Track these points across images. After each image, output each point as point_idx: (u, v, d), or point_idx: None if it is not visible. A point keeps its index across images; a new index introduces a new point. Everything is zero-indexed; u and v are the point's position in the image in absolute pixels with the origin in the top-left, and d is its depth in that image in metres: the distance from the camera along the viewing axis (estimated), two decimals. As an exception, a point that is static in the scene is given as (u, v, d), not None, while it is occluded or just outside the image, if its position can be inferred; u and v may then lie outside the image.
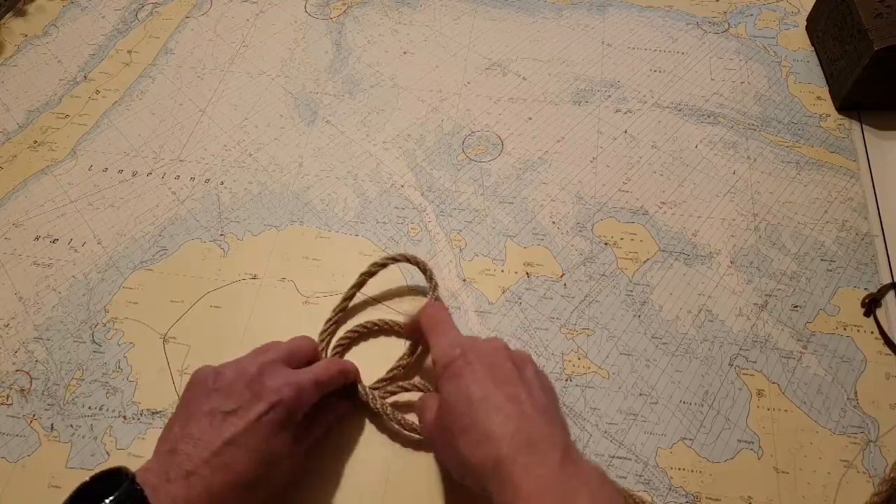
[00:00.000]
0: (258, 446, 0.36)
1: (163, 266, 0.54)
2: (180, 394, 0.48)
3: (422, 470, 0.44)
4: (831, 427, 0.45)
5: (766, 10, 0.71)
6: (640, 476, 0.43)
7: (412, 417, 0.44)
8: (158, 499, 0.33)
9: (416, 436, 0.44)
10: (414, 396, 0.45)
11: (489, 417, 0.33)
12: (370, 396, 0.44)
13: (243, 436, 0.36)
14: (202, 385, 0.39)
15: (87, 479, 0.33)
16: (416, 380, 0.46)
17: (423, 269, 0.50)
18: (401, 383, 0.46)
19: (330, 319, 0.49)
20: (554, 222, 0.55)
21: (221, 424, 0.36)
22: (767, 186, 0.57)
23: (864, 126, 0.60)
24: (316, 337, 0.48)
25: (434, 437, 0.38)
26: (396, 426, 0.44)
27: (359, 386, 0.45)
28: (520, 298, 0.51)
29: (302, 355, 0.44)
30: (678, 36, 0.69)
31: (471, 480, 0.35)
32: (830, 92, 0.63)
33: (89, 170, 0.61)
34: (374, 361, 0.47)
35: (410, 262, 0.50)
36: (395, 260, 0.50)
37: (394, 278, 0.53)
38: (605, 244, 0.54)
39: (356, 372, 0.46)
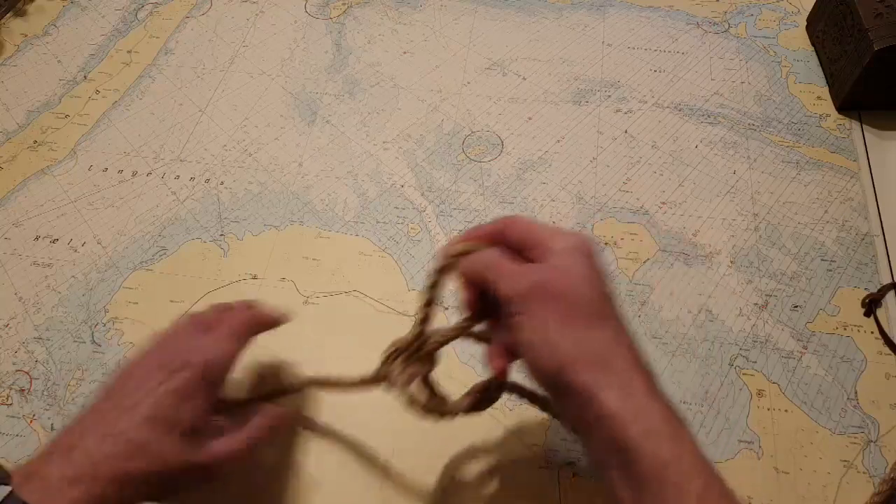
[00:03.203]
0: (152, 412, 0.34)
1: (163, 266, 0.54)
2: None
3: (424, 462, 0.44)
4: (831, 427, 0.45)
5: (766, 10, 0.71)
6: (640, 476, 0.43)
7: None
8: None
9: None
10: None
11: (608, 314, 0.31)
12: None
13: (139, 406, 0.34)
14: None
15: None
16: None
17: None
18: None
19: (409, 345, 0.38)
20: (554, 222, 0.55)
21: (119, 409, 0.34)
22: (767, 186, 0.57)
23: (864, 126, 0.60)
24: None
25: (526, 307, 0.31)
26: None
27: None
28: (520, 298, 0.51)
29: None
30: (678, 36, 0.69)
31: (549, 364, 0.30)
32: (830, 92, 0.63)
33: (89, 170, 0.61)
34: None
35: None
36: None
37: (392, 274, 0.53)
38: (605, 244, 0.54)
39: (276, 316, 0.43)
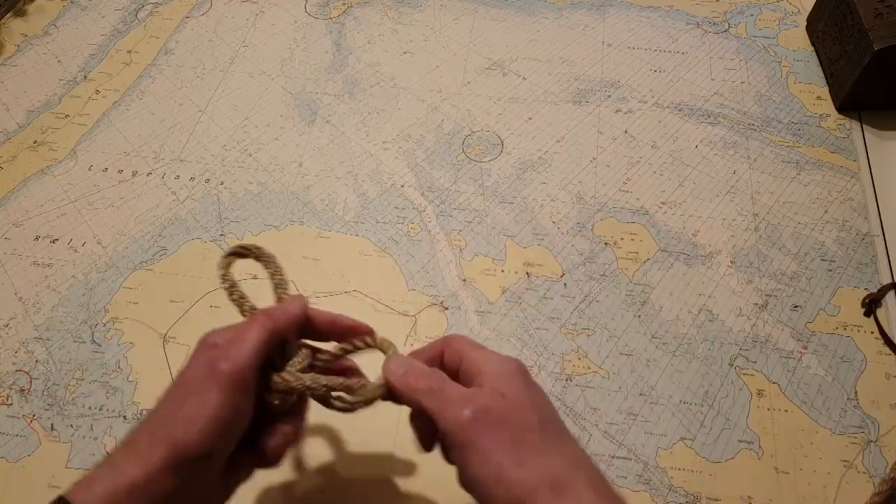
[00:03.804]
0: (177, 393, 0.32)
1: (163, 266, 0.54)
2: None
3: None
4: (831, 427, 0.45)
5: (766, 10, 0.71)
6: (641, 476, 0.43)
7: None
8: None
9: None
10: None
11: (559, 436, 0.30)
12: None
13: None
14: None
15: None
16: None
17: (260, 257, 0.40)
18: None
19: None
20: (554, 222, 0.55)
21: None
22: (767, 186, 0.57)
23: (864, 126, 0.60)
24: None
25: (471, 440, 0.30)
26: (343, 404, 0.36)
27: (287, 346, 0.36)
28: (520, 298, 0.51)
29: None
30: (678, 36, 0.69)
31: (507, 496, 0.29)
32: (830, 92, 0.63)
33: (89, 170, 0.61)
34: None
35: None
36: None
37: (392, 274, 0.53)
38: (605, 244, 0.54)
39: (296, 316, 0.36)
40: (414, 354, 0.35)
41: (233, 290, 0.37)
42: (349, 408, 0.35)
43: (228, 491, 0.34)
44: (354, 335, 0.37)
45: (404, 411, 0.39)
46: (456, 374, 0.33)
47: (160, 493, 0.29)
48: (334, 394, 0.35)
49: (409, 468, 0.44)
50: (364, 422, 0.46)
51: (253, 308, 0.37)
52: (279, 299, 0.38)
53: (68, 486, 0.30)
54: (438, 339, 0.35)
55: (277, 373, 0.34)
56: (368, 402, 0.35)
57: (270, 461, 0.34)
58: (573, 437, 0.31)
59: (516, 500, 0.28)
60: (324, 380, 0.34)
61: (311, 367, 0.35)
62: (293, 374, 0.34)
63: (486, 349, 0.33)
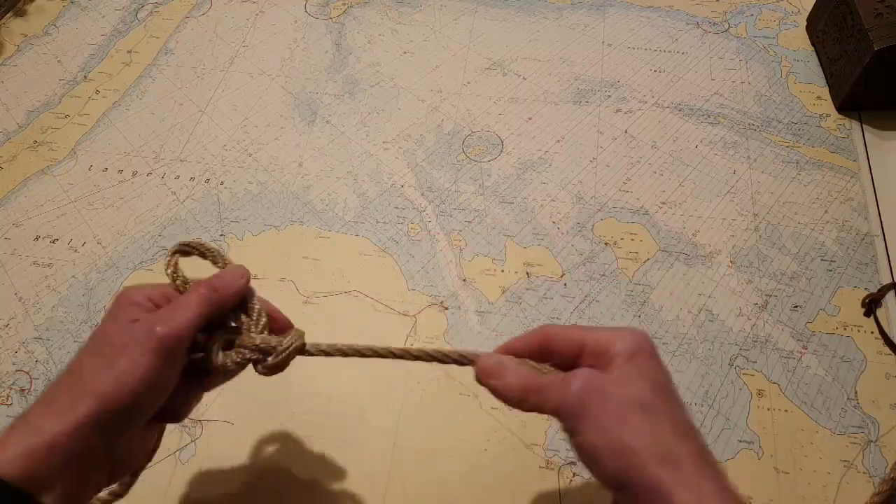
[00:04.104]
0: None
1: (163, 266, 0.54)
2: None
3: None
4: (831, 427, 0.45)
5: (766, 10, 0.71)
6: (640, 476, 0.43)
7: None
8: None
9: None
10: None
11: (677, 408, 0.30)
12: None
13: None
14: None
15: None
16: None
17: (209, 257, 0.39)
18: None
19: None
20: (554, 222, 0.55)
21: None
22: (767, 186, 0.57)
23: (864, 126, 0.60)
24: None
25: (578, 412, 0.30)
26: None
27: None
28: (520, 298, 0.51)
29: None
30: (678, 36, 0.69)
31: (615, 464, 0.29)
32: (830, 92, 0.63)
33: (89, 170, 0.61)
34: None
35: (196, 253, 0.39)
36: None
37: (392, 274, 0.53)
38: (605, 244, 0.54)
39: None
40: (505, 349, 0.34)
41: (175, 276, 0.37)
42: (269, 371, 0.35)
43: (147, 451, 0.35)
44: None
45: (404, 412, 0.39)
46: (571, 363, 0.32)
47: (83, 450, 0.29)
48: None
49: (408, 468, 0.44)
50: (364, 421, 0.46)
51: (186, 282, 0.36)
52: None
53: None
54: (534, 331, 0.34)
55: (221, 349, 0.34)
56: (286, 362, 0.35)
57: (180, 418, 0.35)
58: (685, 408, 0.31)
59: (625, 465, 0.28)
60: (249, 353, 0.34)
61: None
62: (236, 354, 0.34)
63: (597, 327, 0.33)
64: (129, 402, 0.30)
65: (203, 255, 0.38)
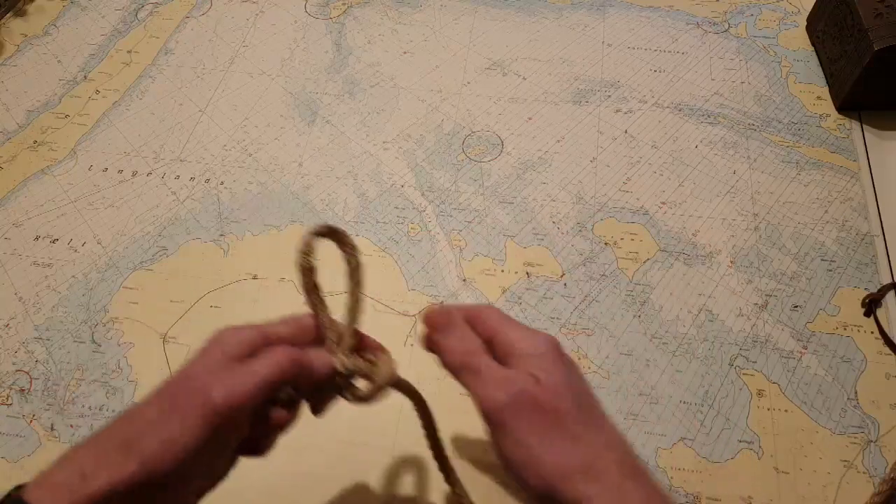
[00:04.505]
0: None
1: (163, 266, 0.54)
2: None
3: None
4: (831, 427, 0.45)
5: (766, 10, 0.71)
6: (640, 476, 0.43)
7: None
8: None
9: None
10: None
11: (594, 419, 0.30)
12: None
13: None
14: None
15: None
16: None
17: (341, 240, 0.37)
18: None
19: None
20: (554, 222, 0.55)
21: None
22: (767, 186, 0.57)
23: (864, 126, 0.60)
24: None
25: (505, 421, 0.30)
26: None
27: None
28: (520, 298, 0.51)
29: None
30: (678, 36, 0.69)
31: (537, 481, 0.29)
32: (830, 92, 0.63)
33: (89, 170, 0.61)
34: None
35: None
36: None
37: (392, 274, 0.53)
38: (605, 244, 0.54)
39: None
40: (446, 311, 0.34)
41: (308, 275, 0.34)
42: (363, 398, 0.33)
43: (199, 497, 0.32)
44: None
45: (404, 412, 0.39)
46: (488, 346, 0.33)
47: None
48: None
49: (409, 468, 0.44)
50: (364, 421, 0.46)
51: (321, 301, 0.34)
52: (352, 300, 0.36)
53: (27, 479, 0.28)
54: (471, 308, 0.34)
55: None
56: (378, 392, 0.33)
57: (261, 453, 0.33)
58: (608, 417, 0.31)
59: (547, 485, 0.28)
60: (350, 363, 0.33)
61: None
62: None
63: (519, 326, 0.33)
64: (171, 470, 0.28)
65: (340, 243, 0.36)
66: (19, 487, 0.28)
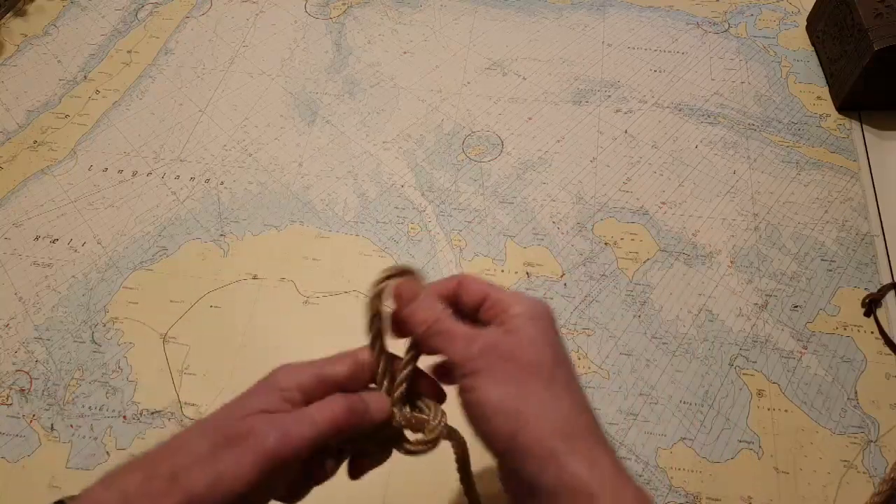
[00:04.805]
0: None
1: (163, 266, 0.54)
2: (179, 393, 0.48)
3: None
4: (831, 427, 0.45)
5: (766, 10, 0.71)
6: (641, 476, 0.43)
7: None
8: None
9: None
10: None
11: (574, 381, 0.30)
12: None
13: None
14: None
15: None
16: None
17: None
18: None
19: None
20: (554, 222, 0.55)
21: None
22: (767, 186, 0.57)
23: (864, 126, 0.60)
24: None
25: (479, 368, 0.29)
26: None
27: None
28: (520, 298, 0.51)
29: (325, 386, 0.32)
30: (678, 36, 0.69)
31: (506, 427, 0.28)
32: (830, 92, 0.63)
33: (89, 170, 0.61)
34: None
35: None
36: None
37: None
38: (605, 244, 0.54)
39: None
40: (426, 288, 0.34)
41: (375, 321, 0.33)
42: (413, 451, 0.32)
43: None
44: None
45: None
46: (474, 313, 0.32)
47: None
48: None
49: (409, 468, 0.44)
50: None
51: (382, 348, 0.33)
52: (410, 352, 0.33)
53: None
54: (450, 277, 0.33)
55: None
56: (434, 443, 0.32)
57: (293, 501, 0.32)
58: (581, 386, 0.31)
59: (515, 427, 0.28)
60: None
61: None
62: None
63: (504, 289, 0.32)
64: None
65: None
66: (61, 502, 0.28)
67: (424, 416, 0.32)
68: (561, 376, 0.30)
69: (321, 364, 0.32)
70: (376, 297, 0.32)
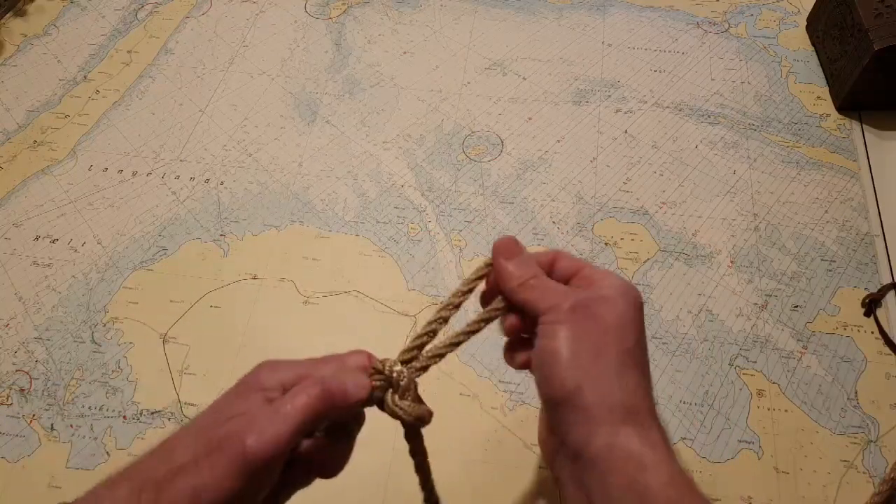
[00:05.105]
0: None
1: (163, 266, 0.54)
2: (179, 393, 0.48)
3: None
4: (831, 427, 0.45)
5: (766, 10, 0.71)
6: (640, 476, 0.43)
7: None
8: None
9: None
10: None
11: (645, 358, 0.31)
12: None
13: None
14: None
15: None
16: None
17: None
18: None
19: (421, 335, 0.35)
20: (554, 222, 0.55)
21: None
22: (767, 186, 0.57)
23: (864, 126, 0.60)
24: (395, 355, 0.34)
25: (565, 320, 0.29)
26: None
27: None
28: (520, 298, 0.51)
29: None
30: (678, 36, 0.69)
31: (572, 379, 0.28)
32: (830, 92, 0.63)
33: (89, 170, 0.61)
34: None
35: None
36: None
37: (392, 274, 0.53)
38: (605, 244, 0.54)
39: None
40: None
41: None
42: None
43: None
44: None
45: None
46: (566, 282, 0.32)
47: None
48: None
49: (409, 468, 0.44)
50: (364, 421, 0.46)
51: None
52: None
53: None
54: (549, 250, 0.34)
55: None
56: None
57: (332, 474, 0.33)
58: (651, 376, 0.31)
59: (576, 385, 0.28)
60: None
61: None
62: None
63: (600, 268, 0.33)
64: None
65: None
66: None
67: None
68: (638, 356, 0.30)
69: (307, 365, 0.31)
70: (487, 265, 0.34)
